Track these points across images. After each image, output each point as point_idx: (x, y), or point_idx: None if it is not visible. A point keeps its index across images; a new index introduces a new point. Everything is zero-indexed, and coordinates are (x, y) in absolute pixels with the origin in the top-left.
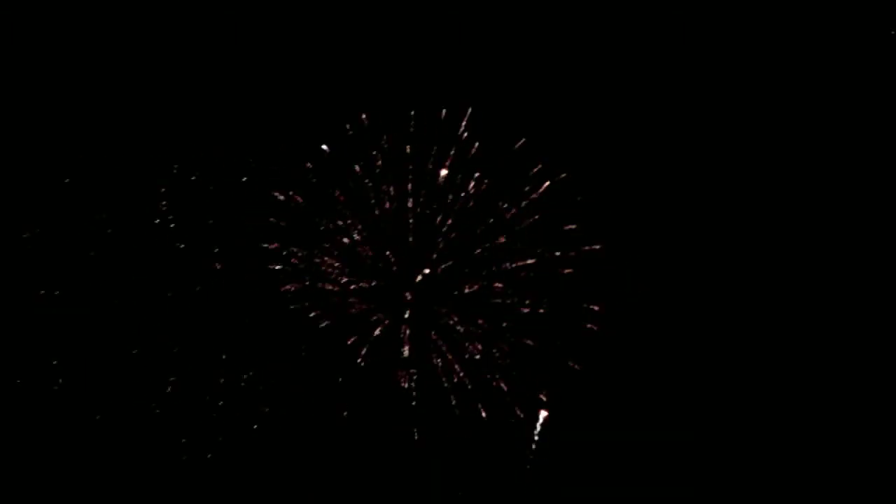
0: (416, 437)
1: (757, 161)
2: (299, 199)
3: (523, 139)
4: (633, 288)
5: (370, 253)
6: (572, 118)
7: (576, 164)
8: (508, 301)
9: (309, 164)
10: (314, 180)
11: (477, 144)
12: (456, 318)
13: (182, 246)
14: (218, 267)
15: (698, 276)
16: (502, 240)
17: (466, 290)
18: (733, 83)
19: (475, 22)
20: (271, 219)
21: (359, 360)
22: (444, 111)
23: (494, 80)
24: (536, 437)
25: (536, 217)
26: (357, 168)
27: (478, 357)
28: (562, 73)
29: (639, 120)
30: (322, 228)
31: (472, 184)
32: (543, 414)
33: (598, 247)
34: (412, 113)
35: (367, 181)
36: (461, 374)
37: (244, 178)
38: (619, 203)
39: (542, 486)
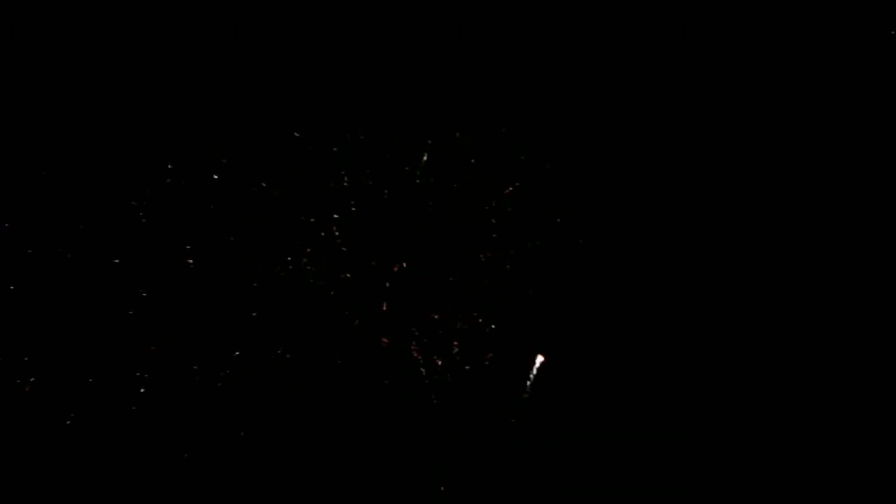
0: (397, 435)
1: (755, 160)
2: (275, 192)
3: (504, 129)
4: (629, 285)
5: (345, 246)
6: (558, 108)
7: (561, 156)
8: (492, 296)
9: (284, 159)
10: (288, 174)
11: (458, 134)
12: (436, 314)
13: (163, 243)
14: (190, 263)
15: (697, 273)
16: (485, 232)
17: (448, 283)
18: (731, 82)
19: (457, 18)
20: (247, 214)
21: (336, 357)
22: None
23: (476, 72)
24: (531, 380)
25: (518, 209)
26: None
27: (457, 351)
28: (547, 64)
29: (629, 111)
30: (297, 222)
31: (454, 174)
32: (540, 358)
33: (581, 241)
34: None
35: (342, 172)
36: (441, 369)
37: (216, 175)
38: (609, 196)
39: (542, 485)
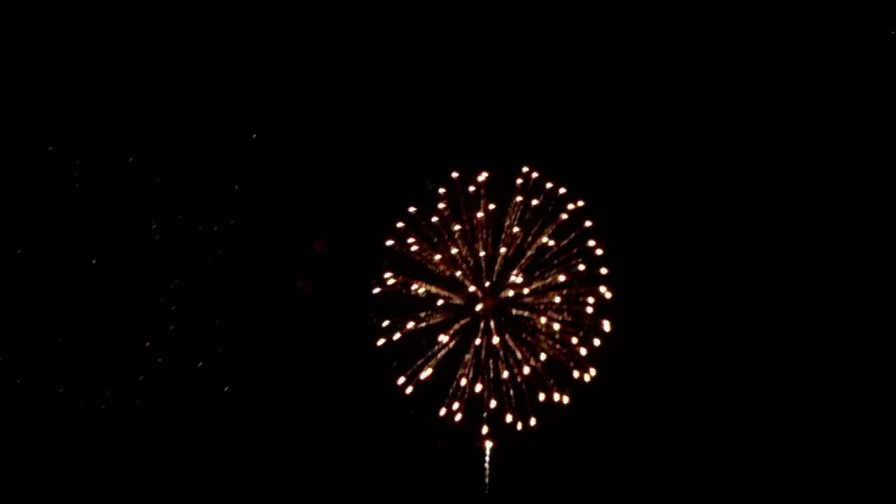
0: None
1: (759, 163)
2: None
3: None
4: (640, 294)
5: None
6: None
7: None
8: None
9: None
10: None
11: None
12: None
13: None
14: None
15: (701, 277)
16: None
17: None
18: (733, 84)
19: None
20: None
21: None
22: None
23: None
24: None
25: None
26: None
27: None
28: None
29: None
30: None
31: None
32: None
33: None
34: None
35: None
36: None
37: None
38: (640, 220)
39: (542, 486)
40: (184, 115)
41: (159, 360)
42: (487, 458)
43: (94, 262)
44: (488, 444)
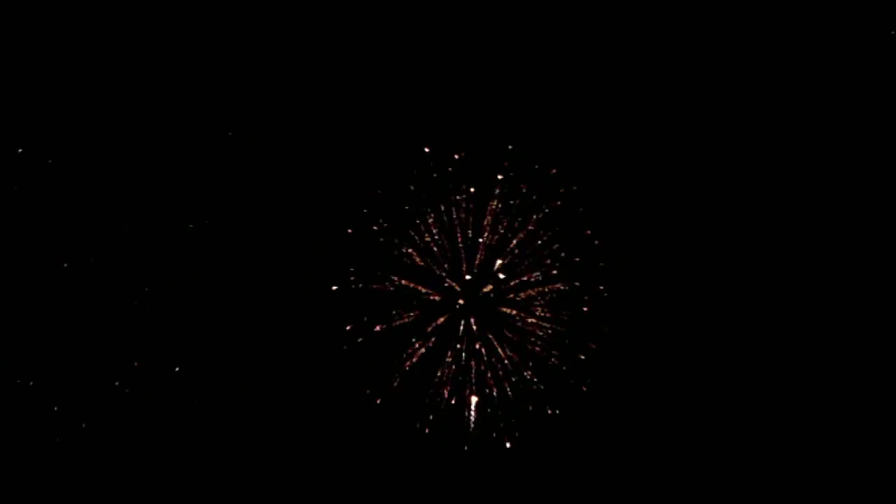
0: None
1: (755, 160)
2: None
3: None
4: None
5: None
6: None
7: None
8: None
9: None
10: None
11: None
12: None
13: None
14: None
15: (703, 279)
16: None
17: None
18: (734, 85)
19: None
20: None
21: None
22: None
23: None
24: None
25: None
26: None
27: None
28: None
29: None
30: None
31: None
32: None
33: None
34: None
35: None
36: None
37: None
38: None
39: (542, 486)
40: (156, 119)
41: (135, 363)
42: (472, 412)
43: (65, 265)
44: (473, 399)
